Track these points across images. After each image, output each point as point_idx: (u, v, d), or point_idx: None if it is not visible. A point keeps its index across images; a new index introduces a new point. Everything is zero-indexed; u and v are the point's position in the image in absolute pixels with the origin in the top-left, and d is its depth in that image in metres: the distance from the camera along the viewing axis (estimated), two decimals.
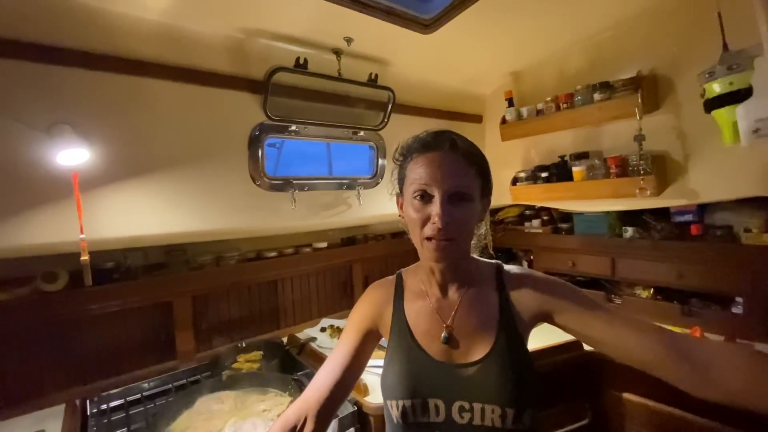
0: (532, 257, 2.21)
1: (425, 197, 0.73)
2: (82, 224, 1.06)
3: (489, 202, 0.82)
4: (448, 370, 0.74)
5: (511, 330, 0.75)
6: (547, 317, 0.77)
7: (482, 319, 0.77)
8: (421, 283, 0.84)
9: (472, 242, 0.83)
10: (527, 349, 0.78)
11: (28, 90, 1.02)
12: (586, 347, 1.41)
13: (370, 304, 0.87)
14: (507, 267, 0.84)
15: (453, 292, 0.81)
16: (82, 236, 1.06)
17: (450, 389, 0.73)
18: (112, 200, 1.20)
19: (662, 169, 1.56)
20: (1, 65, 0.97)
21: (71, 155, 1.02)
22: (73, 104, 1.08)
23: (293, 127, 1.55)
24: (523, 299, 0.78)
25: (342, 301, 2.10)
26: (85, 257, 1.04)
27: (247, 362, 1.52)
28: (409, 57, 1.65)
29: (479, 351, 0.74)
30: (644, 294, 1.76)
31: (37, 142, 1.02)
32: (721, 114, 1.21)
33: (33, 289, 1.31)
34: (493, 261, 0.86)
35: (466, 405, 0.71)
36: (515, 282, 0.80)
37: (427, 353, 0.76)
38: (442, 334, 0.77)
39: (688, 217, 1.64)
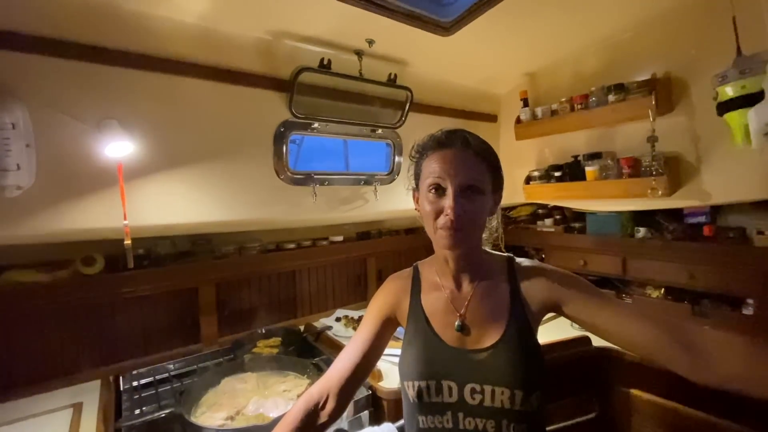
0: (543, 256, 2.23)
1: (439, 190, 0.78)
2: (126, 211, 1.14)
3: (500, 197, 0.86)
4: (461, 355, 0.79)
5: (520, 319, 0.80)
6: (555, 307, 0.81)
7: (493, 309, 0.82)
8: (436, 275, 0.89)
9: (484, 236, 0.87)
10: (536, 337, 0.82)
11: (79, 87, 1.09)
12: (595, 343, 1.44)
13: (389, 294, 0.93)
14: (519, 259, 0.88)
15: (466, 284, 0.85)
16: (126, 222, 1.14)
17: (462, 372, 0.77)
18: (148, 190, 1.27)
19: (675, 170, 1.56)
20: (56, 64, 1.05)
21: (118, 148, 1.10)
22: (118, 101, 1.16)
23: (316, 125, 1.61)
24: (533, 290, 0.82)
25: (356, 293, 2.16)
26: (128, 242, 1.13)
27: (266, 347, 1.59)
28: (427, 58, 1.69)
29: (490, 338, 0.79)
30: (655, 294, 1.77)
31: (87, 136, 1.11)
32: (733, 117, 1.21)
33: (72, 272, 1.40)
34: (505, 254, 0.90)
35: (478, 387, 0.76)
36: (526, 273, 0.84)
37: (442, 339, 0.81)
38: (456, 323, 0.82)
39: (701, 219, 1.65)
